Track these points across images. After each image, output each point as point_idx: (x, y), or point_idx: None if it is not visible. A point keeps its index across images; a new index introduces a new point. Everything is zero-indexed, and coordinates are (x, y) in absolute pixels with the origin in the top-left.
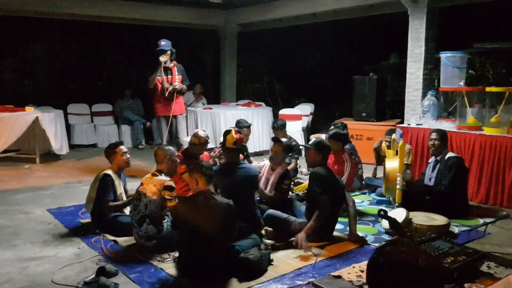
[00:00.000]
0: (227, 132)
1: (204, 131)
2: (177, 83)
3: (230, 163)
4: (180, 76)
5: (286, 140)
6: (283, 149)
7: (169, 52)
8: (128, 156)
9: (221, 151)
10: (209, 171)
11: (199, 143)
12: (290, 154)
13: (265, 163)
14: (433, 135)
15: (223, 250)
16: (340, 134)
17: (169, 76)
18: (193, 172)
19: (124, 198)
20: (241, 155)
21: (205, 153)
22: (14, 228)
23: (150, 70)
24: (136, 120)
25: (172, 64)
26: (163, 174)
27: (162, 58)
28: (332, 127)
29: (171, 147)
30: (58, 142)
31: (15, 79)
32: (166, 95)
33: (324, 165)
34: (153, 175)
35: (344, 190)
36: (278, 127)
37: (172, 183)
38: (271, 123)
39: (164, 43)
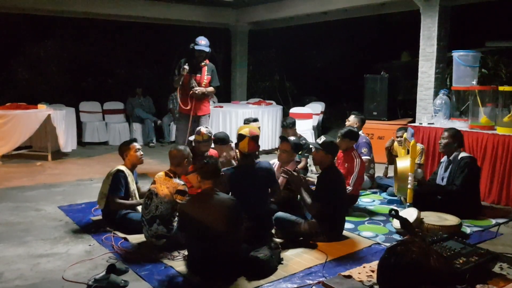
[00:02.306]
0: (242, 137)
1: (206, 127)
2: (198, 88)
3: (244, 165)
4: (209, 76)
5: (295, 138)
6: (291, 147)
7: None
8: (142, 153)
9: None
10: (207, 168)
11: (203, 140)
12: (300, 153)
13: (274, 161)
14: (444, 134)
15: (231, 248)
16: (353, 132)
17: (198, 75)
18: (195, 172)
19: (137, 195)
20: None
21: (212, 150)
22: (26, 225)
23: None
24: (147, 118)
25: (203, 63)
26: (177, 176)
27: (201, 63)
28: (352, 116)
29: (186, 147)
30: (65, 140)
31: (28, 77)
32: (189, 94)
33: (333, 165)
34: (167, 175)
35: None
36: (288, 125)
37: (185, 188)
38: (281, 121)
39: (203, 42)
